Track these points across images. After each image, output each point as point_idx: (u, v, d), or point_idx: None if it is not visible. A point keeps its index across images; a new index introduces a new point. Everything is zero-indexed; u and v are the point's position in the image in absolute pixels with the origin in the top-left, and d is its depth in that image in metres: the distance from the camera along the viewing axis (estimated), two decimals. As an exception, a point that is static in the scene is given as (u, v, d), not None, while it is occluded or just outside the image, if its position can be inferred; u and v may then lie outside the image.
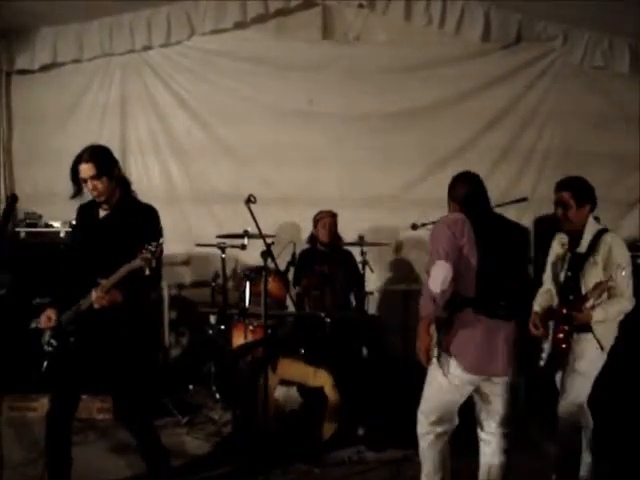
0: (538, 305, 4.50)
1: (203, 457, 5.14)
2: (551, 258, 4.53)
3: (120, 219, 4.16)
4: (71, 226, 4.52)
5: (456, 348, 3.80)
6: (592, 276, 4.13)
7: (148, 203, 4.33)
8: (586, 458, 4.36)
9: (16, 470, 4.63)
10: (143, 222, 4.18)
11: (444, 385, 3.87)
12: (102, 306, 3.93)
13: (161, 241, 3.93)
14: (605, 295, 4.11)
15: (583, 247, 4.23)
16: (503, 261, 3.87)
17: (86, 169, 4.06)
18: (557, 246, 4.48)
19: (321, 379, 5.11)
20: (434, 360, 3.86)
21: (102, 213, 4.22)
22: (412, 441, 4.56)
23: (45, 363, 4.12)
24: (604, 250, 4.13)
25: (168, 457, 4.45)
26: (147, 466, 4.37)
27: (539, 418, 5.19)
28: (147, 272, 3.85)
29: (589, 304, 4.08)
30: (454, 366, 3.80)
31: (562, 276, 4.36)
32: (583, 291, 4.14)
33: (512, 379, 3.92)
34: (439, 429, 3.99)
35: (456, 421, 4.03)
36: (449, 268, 3.67)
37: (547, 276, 4.56)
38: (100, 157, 4.13)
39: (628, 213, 6.83)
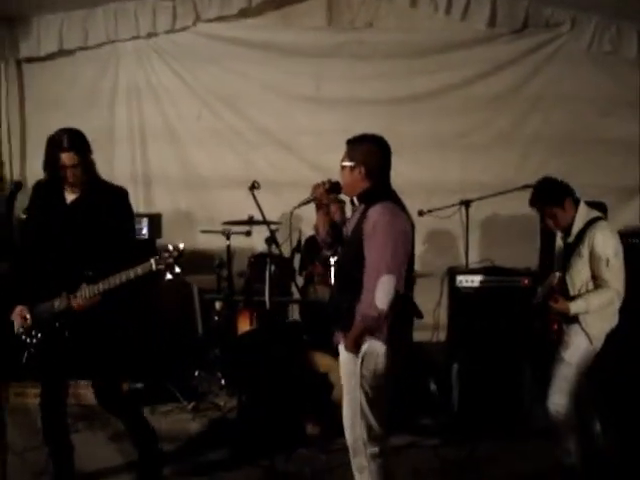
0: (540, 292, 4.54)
1: (208, 443, 5.15)
2: (556, 248, 4.54)
3: (92, 204, 4.00)
4: (29, 207, 4.25)
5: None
6: (577, 267, 4.13)
7: (117, 185, 4.20)
8: (596, 428, 4.35)
9: (21, 456, 4.64)
10: (115, 206, 4.06)
11: None
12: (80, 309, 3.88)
13: (182, 246, 3.80)
14: (591, 285, 4.11)
15: (572, 238, 4.22)
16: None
17: (69, 157, 3.89)
18: (559, 236, 4.48)
19: (326, 365, 5.11)
20: None
21: (70, 197, 4.04)
22: (416, 428, 4.58)
23: (25, 354, 4.06)
24: (589, 241, 4.09)
25: (156, 440, 4.45)
26: (137, 450, 4.41)
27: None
28: (169, 276, 3.78)
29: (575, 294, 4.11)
30: None
31: (555, 267, 4.38)
32: (568, 282, 4.14)
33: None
34: None
35: None
36: (396, 281, 3.42)
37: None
38: (81, 145, 3.97)
39: (634, 198, 6.79)
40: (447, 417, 5.40)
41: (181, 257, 3.75)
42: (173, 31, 7.16)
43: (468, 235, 6.07)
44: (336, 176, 3.85)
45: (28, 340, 4.06)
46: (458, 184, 6.79)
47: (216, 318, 6.42)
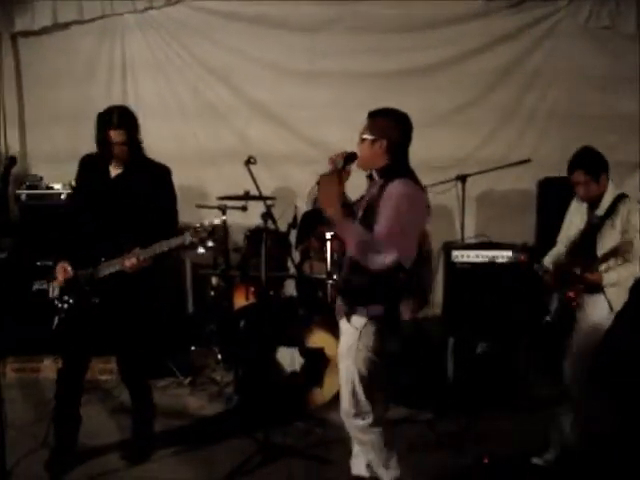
0: (549, 263, 4.55)
1: (205, 417, 5.19)
2: (568, 219, 4.53)
3: (134, 179, 4.14)
4: (76, 179, 4.41)
5: None
6: (609, 239, 4.15)
7: (161, 163, 4.32)
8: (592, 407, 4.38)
9: (21, 431, 4.67)
10: (158, 183, 4.20)
11: None
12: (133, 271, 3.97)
13: (216, 221, 3.94)
14: (619, 258, 4.14)
15: (601, 210, 4.24)
16: None
17: (118, 135, 4.03)
18: (575, 208, 4.48)
19: (322, 340, 5.13)
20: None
21: (115, 171, 4.18)
22: (413, 401, 4.57)
23: (56, 319, 4.15)
24: (623, 215, 4.15)
25: (154, 421, 4.61)
26: (134, 425, 4.53)
27: (542, 378, 5.23)
28: (201, 250, 3.85)
29: (604, 267, 4.11)
30: None
31: (578, 237, 4.38)
32: (598, 253, 4.15)
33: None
34: None
35: None
36: (396, 256, 3.30)
37: (561, 237, 4.57)
38: (130, 123, 4.11)
39: (630, 176, 6.77)
40: (442, 391, 5.43)
41: (214, 233, 3.91)
42: (169, 5, 7.11)
43: (464, 210, 6.08)
44: (330, 150, 3.83)
45: (60, 305, 4.14)
46: (454, 159, 6.77)
47: (212, 293, 6.43)
